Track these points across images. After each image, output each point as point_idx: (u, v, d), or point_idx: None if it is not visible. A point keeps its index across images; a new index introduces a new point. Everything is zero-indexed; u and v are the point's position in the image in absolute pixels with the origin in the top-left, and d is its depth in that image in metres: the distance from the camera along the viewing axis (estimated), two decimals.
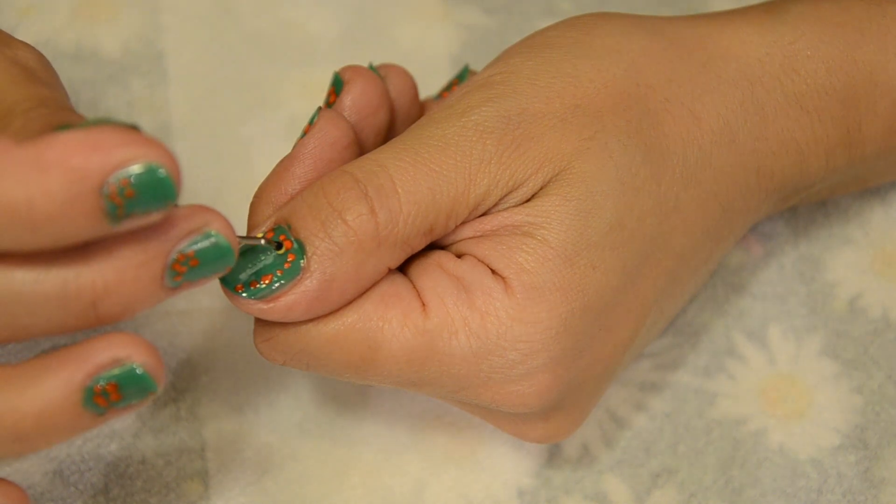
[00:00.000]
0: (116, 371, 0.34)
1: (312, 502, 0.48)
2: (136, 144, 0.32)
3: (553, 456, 0.49)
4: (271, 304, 0.40)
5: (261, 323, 0.42)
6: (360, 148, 0.44)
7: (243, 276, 0.40)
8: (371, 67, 0.45)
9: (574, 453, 0.49)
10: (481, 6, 0.58)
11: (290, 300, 0.40)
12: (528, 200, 0.42)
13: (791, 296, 0.53)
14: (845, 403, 0.51)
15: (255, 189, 0.43)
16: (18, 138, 0.34)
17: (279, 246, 0.40)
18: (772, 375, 0.51)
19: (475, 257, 0.41)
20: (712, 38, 0.46)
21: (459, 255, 0.42)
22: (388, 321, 0.41)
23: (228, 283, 0.40)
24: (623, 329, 0.43)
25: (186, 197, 0.49)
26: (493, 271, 0.41)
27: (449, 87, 0.49)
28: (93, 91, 0.55)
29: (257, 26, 0.57)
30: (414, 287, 0.41)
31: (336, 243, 0.40)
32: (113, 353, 0.34)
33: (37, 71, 0.40)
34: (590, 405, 0.45)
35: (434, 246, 0.43)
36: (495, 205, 0.41)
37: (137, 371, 0.35)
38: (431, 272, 0.41)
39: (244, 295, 0.40)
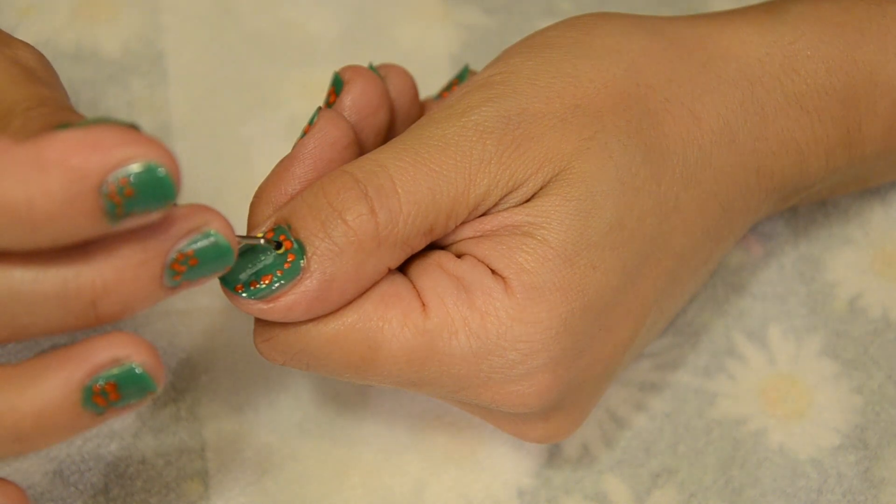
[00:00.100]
0: (116, 371, 0.34)
1: (312, 502, 0.48)
2: (136, 144, 0.32)
3: (553, 456, 0.49)
4: (271, 304, 0.40)
5: (261, 323, 0.42)
6: (360, 148, 0.44)
7: (243, 276, 0.40)
8: (371, 67, 0.45)
9: (574, 453, 0.49)
10: (481, 6, 0.58)
11: (290, 300, 0.40)
12: (528, 200, 0.42)
13: (791, 296, 0.53)
14: (845, 403, 0.51)
15: (255, 189, 0.43)
16: (18, 137, 0.34)
17: (279, 246, 0.40)
18: (772, 375, 0.51)
19: (475, 257, 0.41)
20: (712, 38, 0.46)
21: (459, 255, 0.42)
22: (388, 321, 0.41)
23: (228, 283, 0.40)
24: (623, 329, 0.43)
25: (186, 197, 0.48)
26: (493, 271, 0.41)
27: (449, 87, 0.49)
28: (93, 91, 0.55)
29: (257, 26, 0.57)
30: (414, 287, 0.41)
31: (336, 243, 0.40)
32: (112, 353, 0.34)
33: (37, 71, 0.40)
34: (590, 405, 0.45)
35: (434, 246, 0.43)
36: (495, 205, 0.41)
37: (137, 371, 0.35)
38: (431, 272, 0.41)
39: (244, 295, 0.40)
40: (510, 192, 0.41)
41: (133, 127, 0.33)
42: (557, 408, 0.44)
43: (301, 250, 0.40)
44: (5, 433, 0.34)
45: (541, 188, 0.41)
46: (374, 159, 0.41)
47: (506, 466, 0.49)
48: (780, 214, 0.54)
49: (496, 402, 0.42)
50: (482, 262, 0.41)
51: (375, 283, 0.41)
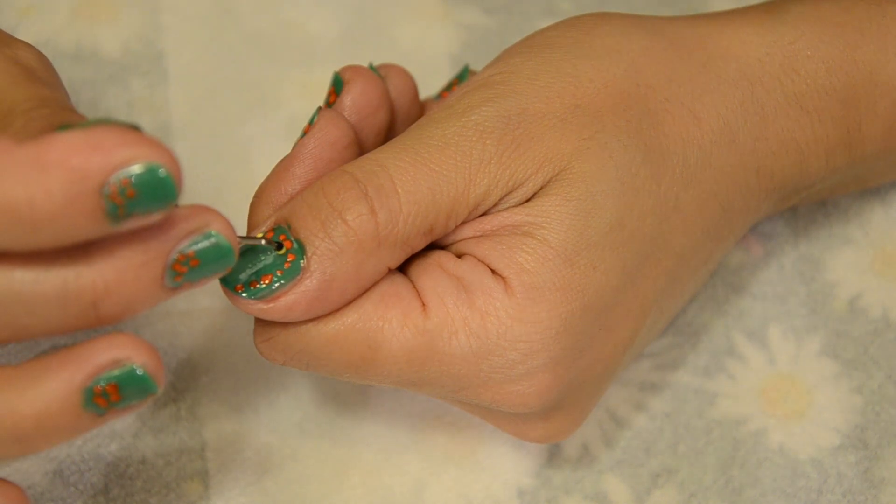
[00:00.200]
0: (116, 372, 0.34)
1: (312, 502, 0.48)
2: (137, 144, 0.32)
3: (553, 456, 0.49)
4: (271, 304, 0.40)
5: (261, 323, 0.42)
6: (360, 148, 0.44)
7: (243, 276, 0.40)
8: (371, 67, 0.45)
9: (574, 453, 0.49)
10: (481, 6, 0.58)
11: (290, 300, 0.40)
12: (528, 200, 0.42)
13: (791, 296, 0.53)
14: (845, 403, 0.51)
15: (255, 189, 0.43)
16: (19, 138, 0.34)
17: (279, 246, 0.40)
18: (772, 375, 0.51)
19: (475, 257, 0.41)
20: (712, 38, 0.46)
21: (459, 255, 0.42)
22: (388, 321, 0.41)
23: (228, 283, 0.40)
24: (623, 329, 0.43)
25: (187, 197, 0.49)
26: (493, 271, 0.41)
27: (449, 87, 0.49)
28: (93, 91, 0.55)
29: (257, 26, 0.57)
30: (414, 287, 0.41)
31: (336, 243, 0.40)
32: (113, 354, 0.34)
33: (37, 71, 0.40)
34: (590, 405, 0.45)
35: (434, 246, 0.43)
36: (495, 205, 0.41)
37: (137, 372, 0.35)
38: (431, 272, 0.41)
39: (244, 295, 0.40)
40: (510, 192, 0.41)
41: (134, 128, 0.33)
42: (557, 408, 0.44)
43: (301, 250, 0.40)
44: (6, 434, 0.34)
45: (541, 188, 0.41)
46: (374, 159, 0.41)
47: (506, 466, 0.49)
48: (780, 214, 0.54)
49: (496, 402, 0.42)
50: (482, 261, 0.41)
51: (375, 283, 0.41)
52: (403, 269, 0.42)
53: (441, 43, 0.57)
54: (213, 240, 0.35)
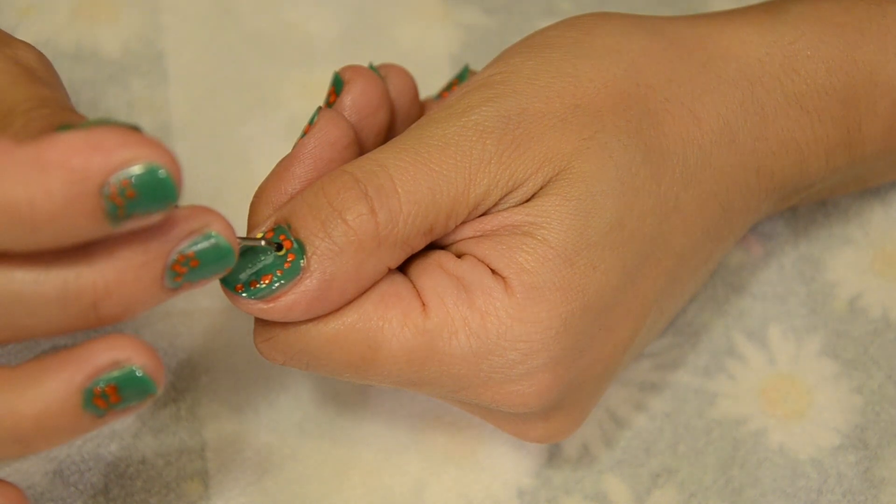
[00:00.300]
0: (116, 373, 0.34)
1: (312, 502, 0.48)
2: (137, 145, 0.32)
3: (553, 456, 0.49)
4: (271, 304, 0.40)
5: (261, 323, 0.42)
6: (360, 148, 0.44)
7: (243, 276, 0.40)
8: (371, 67, 0.45)
9: (574, 453, 0.49)
10: (481, 6, 0.58)
11: (290, 300, 0.40)
12: (528, 200, 0.42)
13: (791, 296, 0.53)
14: (845, 403, 0.51)
15: (255, 189, 0.43)
16: (20, 138, 0.34)
17: (279, 247, 0.40)
18: (772, 375, 0.51)
19: (475, 257, 0.41)
20: (712, 38, 0.46)
21: (459, 255, 0.42)
22: (388, 321, 0.41)
23: (228, 283, 0.40)
24: (623, 329, 0.43)
25: (187, 197, 0.49)
26: (493, 271, 0.41)
27: (449, 87, 0.49)
28: (93, 91, 0.55)
29: (257, 26, 0.57)
30: (414, 287, 0.41)
31: (336, 243, 0.40)
32: (113, 356, 0.34)
33: (37, 71, 0.40)
34: (590, 405, 0.45)
35: (434, 246, 0.43)
36: (495, 205, 0.41)
37: (137, 373, 0.35)
38: (431, 272, 0.41)
39: (244, 295, 0.40)
40: (510, 192, 0.41)
41: (135, 128, 0.33)
42: (557, 407, 0.44)
43: (301, 250, 0.40)
44: (6, 435, 0.34)
45: (541, 188, 0.41)
46: (374, 159, 0.41)
47: (506, 466, 0.49)
48: (780, 214, 0.54)
49: (496, 402, 0.42)
50: (482, 261, 0.41)
51: (375, 283, 0.41)
52: (403, 269, 0.42)
53: (441, 43, 0.57)
54: (212, 240, 0.35)
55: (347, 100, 0.44)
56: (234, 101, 0.55)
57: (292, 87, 0.56)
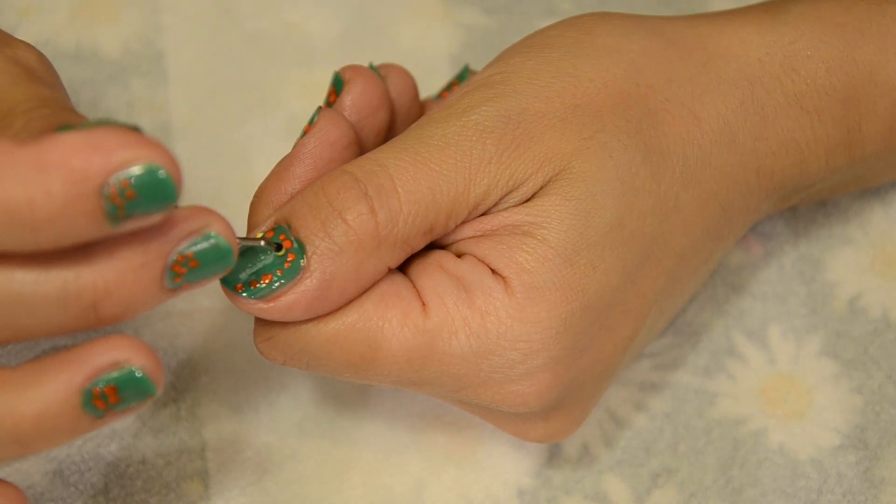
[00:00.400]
0: (115, 374, 0.34)
1: (312, 502, 0.48)
2: (137, 146, 0.32)
3: (553, 456, 0.49)
4: (271, 304, 0.40)
5: (261, 323, 0.42)
6: (360, 148, 0.44)
7: (243, 276, 0.40)
8: (371, 67, 0.45)
9: (574, 453, 0.49)
10: (481, 6, 0.58)
11: (290, 300, 0.40)
12: (528, 200, 0.42)
13: (791, 296, 0.53)
14: (845, 403, 0.51)
15: (255, 189, 0.43)
16: (19, 139, 0.34)
17: (279, 247, 0.40)
18: (772, 375, 0.51)
19: (475, 257, 0.41)
20: (712, 38, 0.46)
21: (459, 255, 0.42)
22: (388, 321, 0.41)
23: (228, 283, 0.40)
24: (623, 329, 0.43)
25: (186, 197, 0.49)
26: (493, 271, 0.41)
27: (449, 87, 0.49)
28: (93, 91, 0.55)
29: (257, 26, 0.57)
30: (414, 287, 0.41)
31: (336, 243, 0.40)
32: (112, 356, 0.34)
33: (37, 71, 0.40)
34: (590, 405, 0.45)
35: (434, 246, 0.43)
36: (495, 204, 0.41)
37: (136, 374, 0.35)
38: (431, 272, 0.41)
39: (244, 294, 0.40)
40: (510, 192, 0.41)
41: (135, 129, 0.33)
42: (557, 407, 0.44)
43: (301, 250, 0.40)
44: (5, 435, 0.34)
45: (541, 188, 0.41)
46: (374, 159, 0.41)
47: (506, 466, 0.49)
48: (780, 214, 0.54)
49: (496, 402, 0.42)
50: (482, 261, 0.41)
51: (375, 283, 0.41)
52: (403, 268, 0.42)
53: (441, 43, 0.57)
54: (212, 241, 0.35)
55: (347, 100, 0.44)
56: (234, 101, 0.55)
57: (292, 87, 0.56)
